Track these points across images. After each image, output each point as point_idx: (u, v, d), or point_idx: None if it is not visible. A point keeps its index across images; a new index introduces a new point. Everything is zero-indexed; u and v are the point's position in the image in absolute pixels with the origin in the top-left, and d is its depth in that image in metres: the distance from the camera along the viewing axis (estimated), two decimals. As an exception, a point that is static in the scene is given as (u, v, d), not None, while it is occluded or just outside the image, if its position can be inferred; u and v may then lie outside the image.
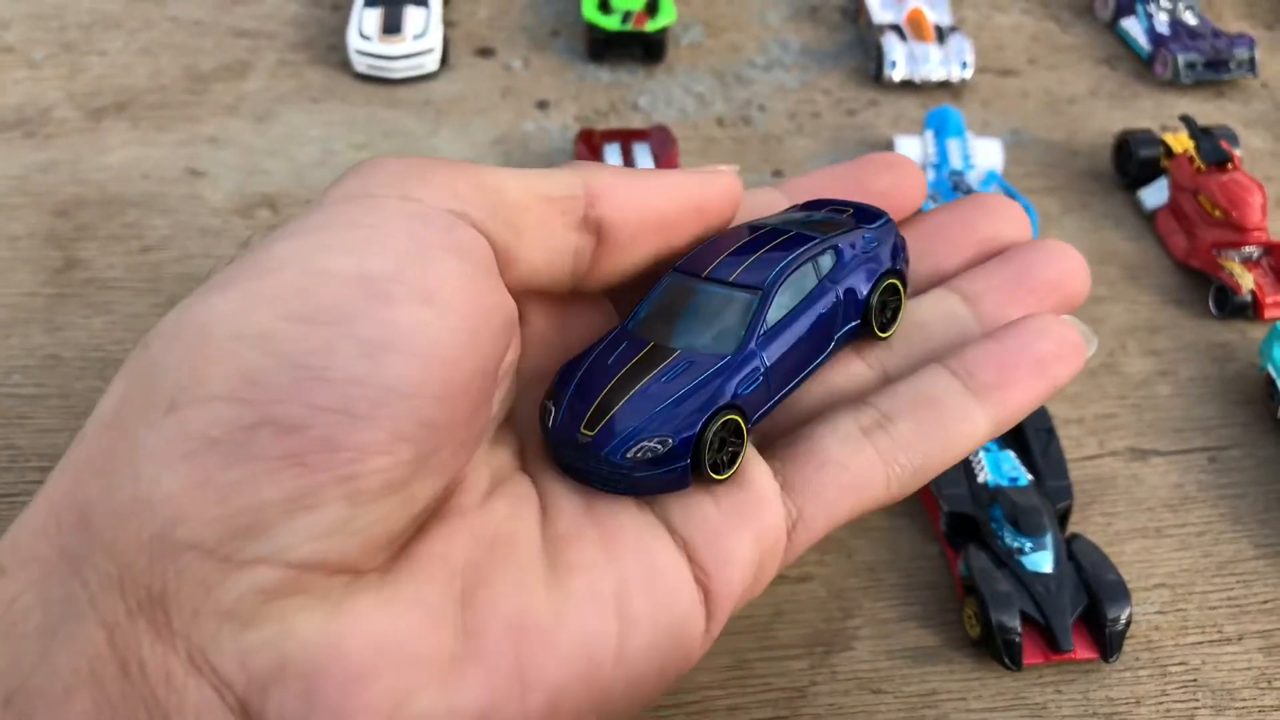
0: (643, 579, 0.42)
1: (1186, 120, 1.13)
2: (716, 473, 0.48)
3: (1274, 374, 0.92)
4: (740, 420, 0.49)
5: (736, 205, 0.54)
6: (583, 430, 0.48)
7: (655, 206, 0.49)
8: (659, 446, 0.47)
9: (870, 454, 0.49)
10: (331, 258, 0.36)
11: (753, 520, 0.46)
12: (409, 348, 0.36)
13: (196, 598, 0.34)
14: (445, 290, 0.38)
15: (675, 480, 0.48)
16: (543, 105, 1.23)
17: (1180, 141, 1.12)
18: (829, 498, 0.48)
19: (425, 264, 0.37)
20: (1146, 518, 0.85)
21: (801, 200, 0.64)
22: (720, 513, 0.46)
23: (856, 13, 1.38)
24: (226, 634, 0.34)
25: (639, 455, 0.47)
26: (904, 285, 0.58)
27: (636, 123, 1.22)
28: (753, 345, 0.51)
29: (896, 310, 0.58)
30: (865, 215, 0.59)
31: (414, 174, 0.40)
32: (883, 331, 0.58)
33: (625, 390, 0.49)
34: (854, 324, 0.56)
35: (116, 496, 0.36)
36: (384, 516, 0.36)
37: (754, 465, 0.49)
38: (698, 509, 0.47)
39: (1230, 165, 1.07)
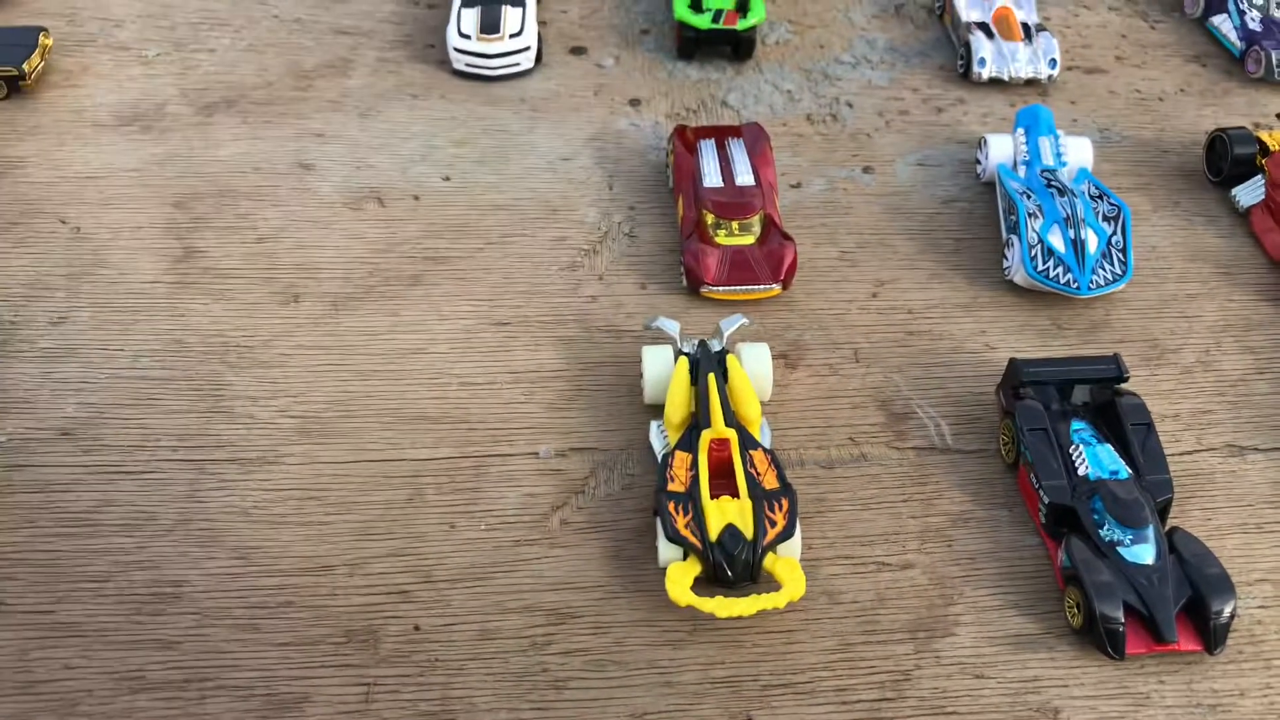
0: None
1: (1283, 118, 1.13)
2: None
3: (1375, 372, 0.92)
4: None
5: None
6: None
7: None
8: None
9: None
10: None
11: None
12: None
13: None
14: None
15: None
16: (634, 102, 1.26)
17: (1276, 139, 1.12)
18: None
19: None
20: (1247, 513, 0.86)
21: None
22: None
23: (942, 10, 1.39)
24: None
25: None
26: None
27: (726, 119, 1.24)
28: None
29: None
30: None
31: None
32: None
33: None
34: None
35: None
36: None
37: None
38: None
39: (1328, 164, 1.07)
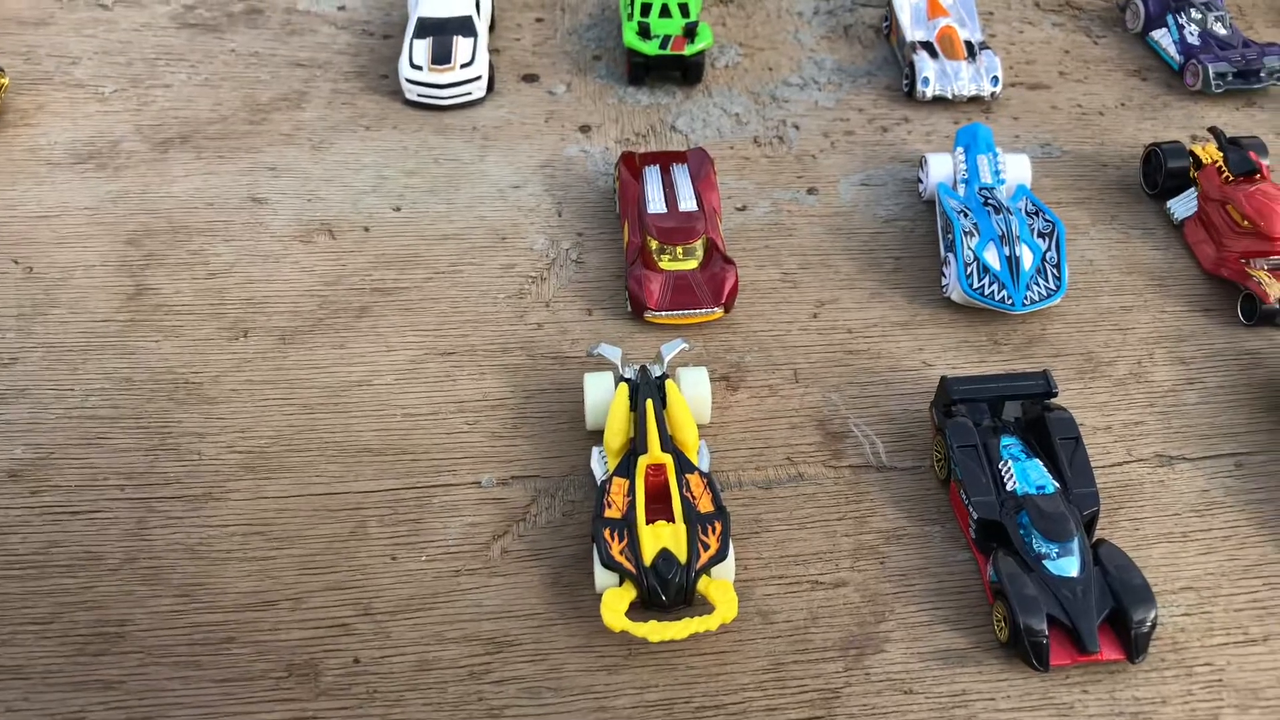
0: None
1: (1215, 132, 1.15)
2: None
3: (1300, 381, 0.94)
4: None
5: None
6: None
7: None
8: None
9: None
10: None
11: None
12: None
13: None
14: None
15: None
16: (585, 129, 1.28)
17: (1209, 153, 1.15)
18: None
19: None
20: (1173, 522, 0.88)
21: None
22: None
23: (888, 30, 1.41)
24: None
25: None
26: None
27: (675, 144, 1.26)
28: None
29: None
30: None
31: None
32: None
33: None
34: None
35: None
36: None
37: None
38: None
39: (1258, 176, 1.09)
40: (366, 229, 1.13)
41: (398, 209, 1.16)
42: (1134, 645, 0.77)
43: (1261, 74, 1.31)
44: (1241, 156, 1.10)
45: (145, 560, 0.85)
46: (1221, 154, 1.12)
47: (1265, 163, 1.13)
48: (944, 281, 1.05)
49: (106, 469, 0.91)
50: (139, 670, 0.78)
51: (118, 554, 0.85)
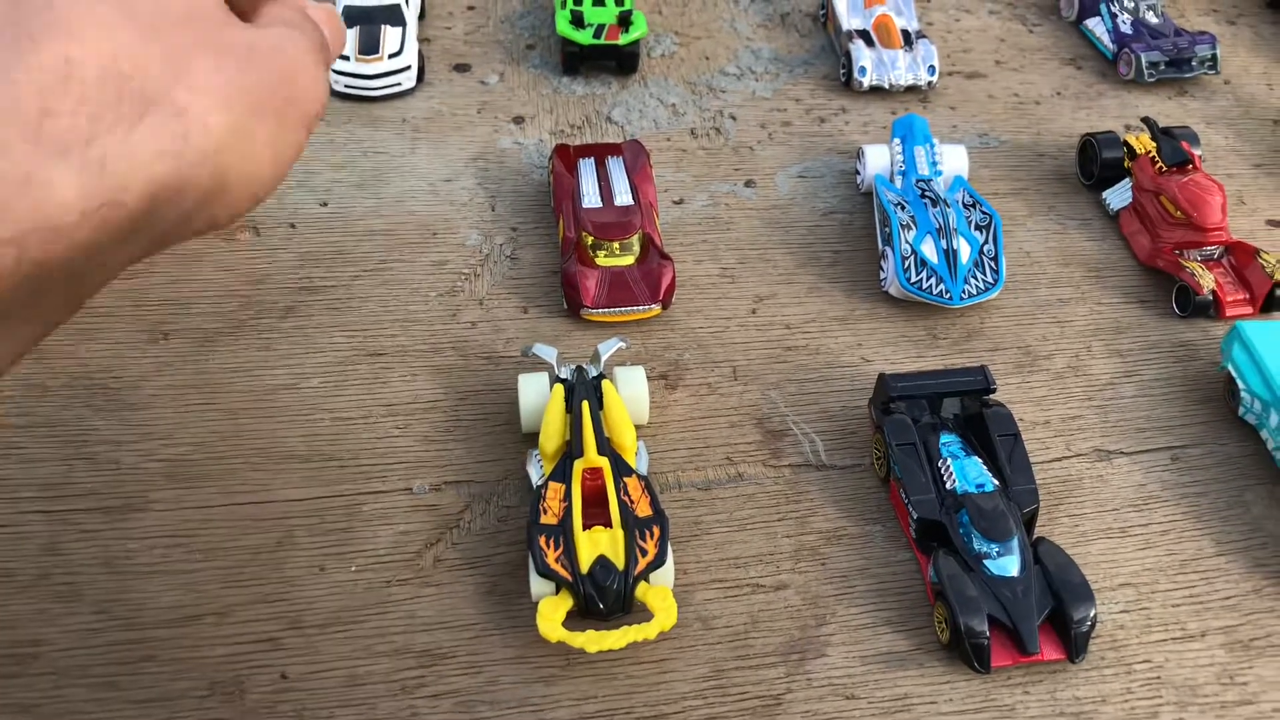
0: None
1: (1148, 122, 1.16)
2: None
3: (1233, 372, 0.94)
4: None
5: None
6: None
7: None
8: None
9: None
10: None
11: None
12: None
13: None
14: None
15: None
16: (518, 120, 1.25)
17: (1143, 143, 1.15)
18: None
19: None
20: (1112, 518, 0.88)
21: None
22: None
23: (825, 19, 1.40)
24: None
25: None
26: None
27: (611, 135, 1.23)
28: None
29: None
30: None
31: None
32: None
33: None
34: None
35: None
36: None
37: None
38: None
39: (1191, 166, 1.10)
40: (293, 225, 1.10)
41: (325, 204, 1.12)
42: (1074, 645, 0.76)
43: (1193, 62, 1.32)
44: (1174, 147, 1.11)
45: (60, 576, 0.81)
46: (1154, 144, 1.12)
47: (1198, 152, 1.14)
48: (882, 275, 1.04)
49: (20, 481, 0.87)
50: (54, 692, 0.74)
51: (31, 570, 0.81)
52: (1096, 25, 1.39)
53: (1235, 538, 0.86)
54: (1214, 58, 1.32)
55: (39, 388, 0.94)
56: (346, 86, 1.24)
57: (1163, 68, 1.31)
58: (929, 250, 1.01)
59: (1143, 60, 1.31)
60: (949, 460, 0.84)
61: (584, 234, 1.03)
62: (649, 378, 0.96)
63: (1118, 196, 1.14)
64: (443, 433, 0.92)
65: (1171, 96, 1.33)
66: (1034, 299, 1.06)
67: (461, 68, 1.32)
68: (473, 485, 0.88)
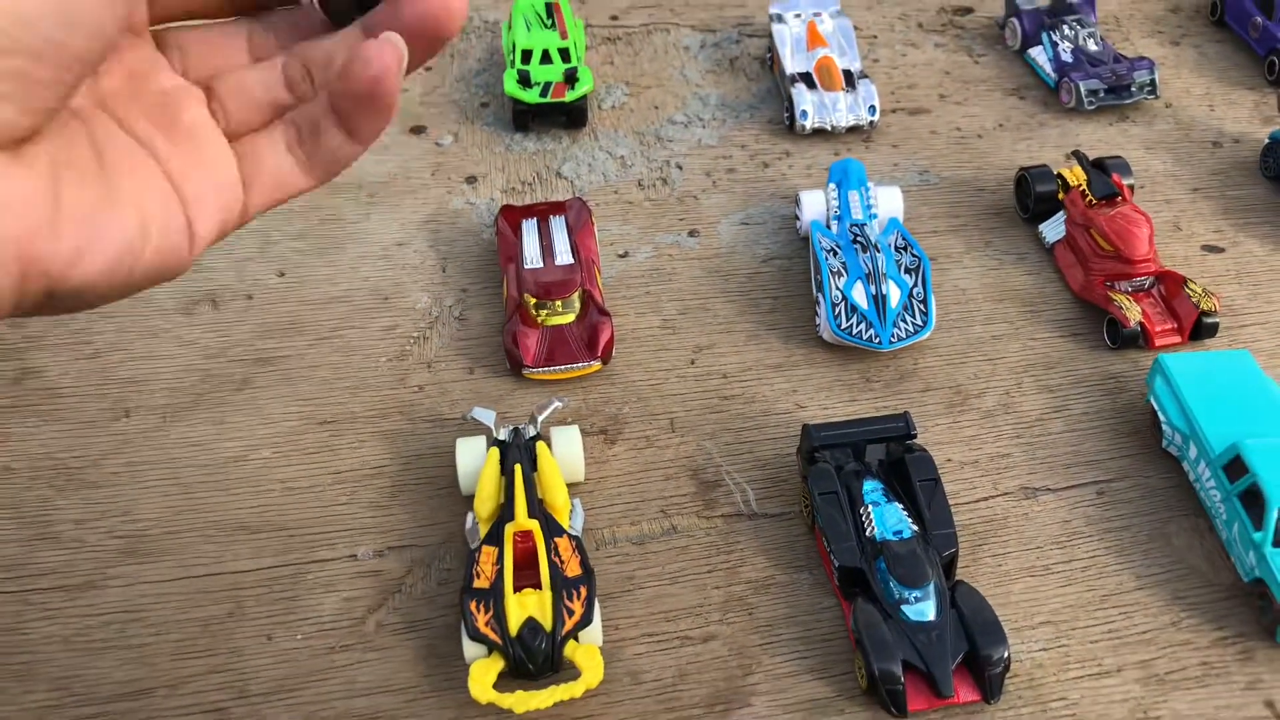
0: (160, 209, 0.47)
1: (1077, 155, 1.18)
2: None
3: (1156, 406, 0.96)
4: None
5: None
6: None
7: None
8: None
9: (299, 161, 0.52)
10: None
11: (224, 192, 0.50)
12: None
13: None
14: None
15: None
16: (471, 180, 1.29)
17: (1076, 175, 1.17)
18: (270, 196, 0.51)
19: None
20: (1035, 556, 0.90)
21: None
22: (209, 183, 0.50)
23: (772, 62, 1.43)
24: None
25: None
26: None
27: (560, 191, 1.27)
28: None
29: None
30: None
31: None
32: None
33: None
34: None
35: None
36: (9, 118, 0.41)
37: (215, 136, 0.52)
38: (194, 172, 0.50)
39: (1120, 199, 1.12)
40: (250, 296, 1.14)
41: (282, 274, 1.17)
42: (989, 686, 0.79)
43: (1132, 88, 1.34)
44: (1103, 180, 1.13)
45: (19, 655, 0.85)
46: (1085, 177, 1.15)
47: (1129, 182, 1.16)
48: (817, 320, 1.07)
49: (-16, 563, 0.91)
50: (12, 772, 0.78)
51: (-7, 652, 0.85)
52: (1039, 54, 1.41)
53: (1156, 570, 0.88)
54: (1153, 83, 1.34)
55: (5, 470, 0.98)
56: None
57: (1102, 95, 1.34)
58: (859, 296, 1.04)
59: (1082, 89, 1.33)
60: (870, 507, 0.87)
61: (526, 295, 1.06)
62: (589, 433, 0.99)
63: (1053, 229, 1.17)
64: (388, 497, 0.95)
65: (1113, 123, 1.35)
66: (967, 337, 1.08)
67: (417, 130, 1.36)
68: (414, 549, 0.91)
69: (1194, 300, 1.04)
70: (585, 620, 0.81)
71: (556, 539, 0.86)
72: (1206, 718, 0.79)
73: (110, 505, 0.95)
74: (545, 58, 1.34)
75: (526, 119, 1.33)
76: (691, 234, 1.21)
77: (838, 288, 1.05)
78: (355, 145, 0.51)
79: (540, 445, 0.92)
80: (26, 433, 1.01)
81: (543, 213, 1.15)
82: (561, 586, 0.82)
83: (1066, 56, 1.38)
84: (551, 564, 0.84)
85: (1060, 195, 1.17)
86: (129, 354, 1.08)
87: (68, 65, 0.42)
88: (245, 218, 0.52)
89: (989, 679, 0.79)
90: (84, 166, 0.45)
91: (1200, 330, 1.04)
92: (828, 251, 1.08)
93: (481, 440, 0.94)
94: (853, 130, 1.34)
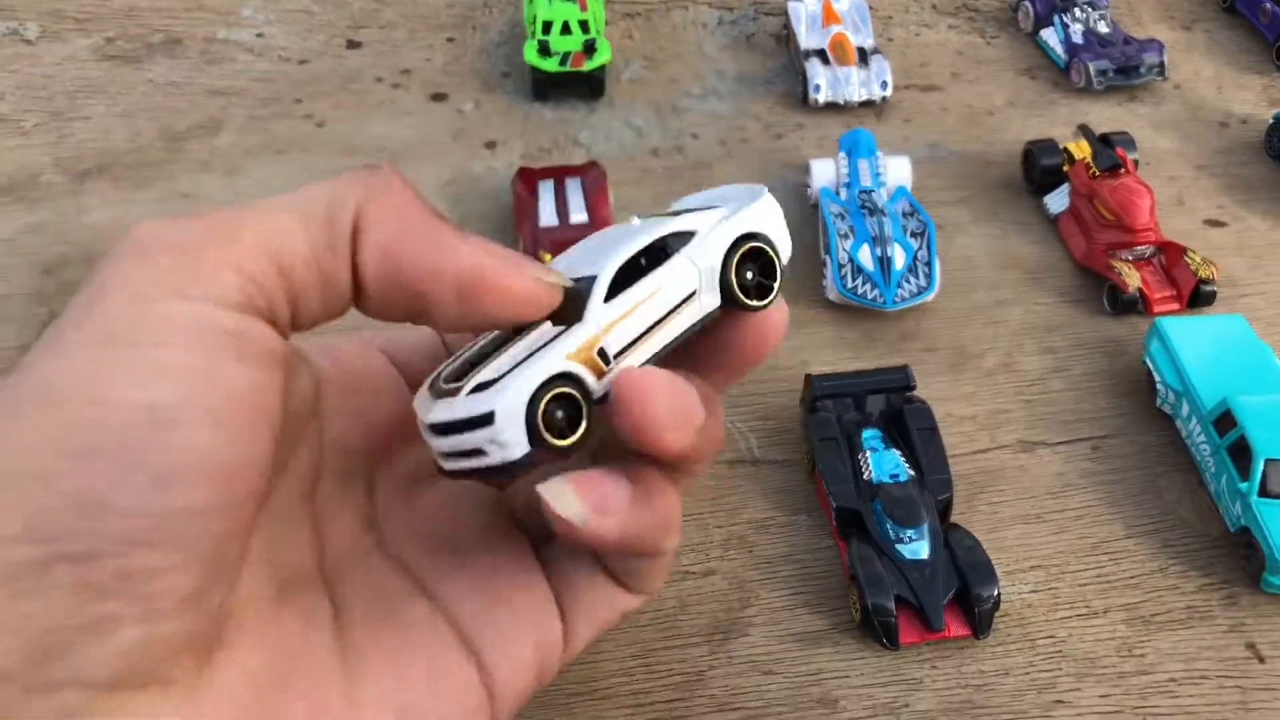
0: (430, 685, 0.45)
1: (1083, 129, 1.21)
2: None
3: (1151, 367, 0.99)
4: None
5: (533, 308, 0.48)
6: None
7: (421, 271, 0.45)
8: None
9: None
10: (114, 387, 0.37)
11: (534, 630, 0.49)
12: (198, 474, 0.37)
13: None
14: (232, 407, 0.38)
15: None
16: (490, 145, 1.32)
17: (1082, 149, 1.20)
18: (597, 617, 0.52)
19: (212, 384, 0.38)
20: (1029, 505, 0.93)
21: None
22: (507, 621, 0.48)
23: (788, 39, 1.46)
24: None
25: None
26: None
27: (578, 158, 1.30)
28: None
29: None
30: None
31: (186, 264, 0.41)
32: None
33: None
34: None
35: None
36: (181, 629, 0.38)
37: (535, 578, 0.50)
38: (488, 617, 0.48)
39: (1123, 171, 1.14)
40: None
41: (305, 230, 1.20)
42: (979, 621, 0.82)
43: (1140, 69, 1.36)
44: (1107, 153, 1.15)
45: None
46: (1090, 150, 1.17)
47: (1133, 157, 1.18)
48: (824, 282, 1.10)
49: None
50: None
51: None
52: (1050, 36, 1.44)
53: (1146, 521, 0.91)
54: (1161, 64, 1.37)
55: None
56: (329, 119, 1.32)
57: (1111, 75, 1.36)
58: (865, 258, 1.07)
59: (1091, 69, 1.36)
60: (868, 453, 0.90)
61: (541, 252, 1.10)
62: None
63: (1057, 201, 1.19)
64: (404, 439, 0.99)
65: (1121, 103, 1.37)
66: (971, 301, 1.11)
67: (439, 97, 1.40)
68: (429, 486, 0.95)
69: (1192, 269, 1.07)
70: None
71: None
72: (1189, 657, 0.81)
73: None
74: (565, 29, 1.37)
75: (546, 88, 1.37)
76: (704, 200, 1.24)
77: (845, 250, 1.08)
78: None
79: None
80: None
81: (559, 175, 1.19)
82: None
83: (1077, 38, 1.40)
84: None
85: (1065, 168, 1.20)
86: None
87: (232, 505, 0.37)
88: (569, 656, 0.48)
89: (979, 615, 0.81)
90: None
91: (1198, 298, 1.07)
92: (836, 216, 1.11)
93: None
94: (865, 105, 1.36)
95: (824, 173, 1.18)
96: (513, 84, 1.42)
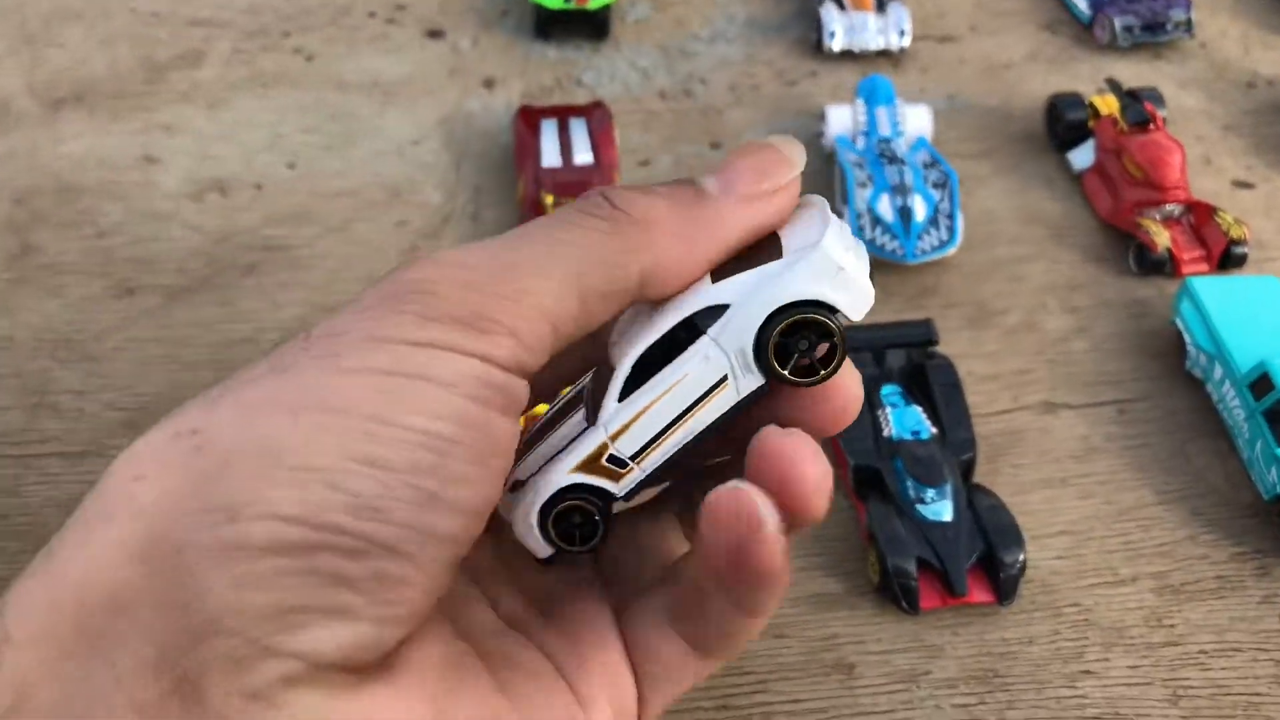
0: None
1: (1111, 83, 1.16)
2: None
3: (1182, 328, 0.94)
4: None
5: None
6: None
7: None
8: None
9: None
10: (399, 413, 0.40)
11: (610, 689, 0.49)
12: (458, 504, 0.40)
13: (231, 679, 0.38)
14: (498, 453, 0.42)
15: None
16: (489, 83, 1.26)
17: (1108, 104, 1.15)
18: (671, 683, 0.50)
19: (482, 431, 0.41)
20: (1053, 468, 0.88)
21: None
22: (597, 680, 0.49)
23: (801, -16, 1.40)
24: (255, 712, 0.38)
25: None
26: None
27: (581, 98, 1.24)
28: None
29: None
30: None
31: (476, 319, 0.42)
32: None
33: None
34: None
35: (160, 587, 0.38)
36: (400, 635, 0.42)
37: (611, 639, 0.50)
38: (581, 674, 0.49)
39: (1152, 126, 1.10)
40: (259, 186, 1.12)
41: (292, 166, 1.14)
42: (1003, 588, 0.77)
43: (1168, 26, 1.31)
44: (1136, 107, 1.11)
45: (18, 516, 0.83)
46: (1118, 104, 1.12)
47: (1161, 113, 1.13)
48: (839, 233, 1.05)
49: (-19, 429, 0.89)
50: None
51: (-12, 513, 0.84)
52: (1073, -11, 1.38)
53: (1175, 488, 0.87)
54: (1189, 21, 1.32)
55: (7, 339, 0.96)
56: (319, 52, 1.25)
57: (1137, 32, 1.31)
58: (884, 208, 1.02)
59: (1117, 24, 1.30)
60: (888, 409, 0.85)
61: (543, 192, 1.04)
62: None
63: (1081, 157, 1.14)
64: (396, 384, 0.93)
65: (1146, 60, 1.32)
66: (992, 257, 1.06)
67: (435, 34, 1.33)
68: (422, 434, 0.89)
69: (1223, 229, 1.02)
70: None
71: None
72: (1221, 629, 0.77)
73: (112, 379, 0.93)
74: (570, -35, 1.31)
75: (549, 26, 1.31)
76: (714, 146, 1.18)
77: (863, 199, 1.02)
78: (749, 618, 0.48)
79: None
80: (29, 306, 0.99)
81: (562, 114, 1.13)
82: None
83: (1101, -9, 1.35)
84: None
85: (1091, 123, 1.15)
86: (135, 236, 1.06)
87: (435, 553, 0.41)
88: None
89: (1004, 580, 0.77)
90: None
91: (1229, 259, 1.02)
92: (854, 165, 1.06)
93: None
94: (881, 54, 1.31)
95: (840, 120, 1.13)
96: (513, 21, 1.36)
